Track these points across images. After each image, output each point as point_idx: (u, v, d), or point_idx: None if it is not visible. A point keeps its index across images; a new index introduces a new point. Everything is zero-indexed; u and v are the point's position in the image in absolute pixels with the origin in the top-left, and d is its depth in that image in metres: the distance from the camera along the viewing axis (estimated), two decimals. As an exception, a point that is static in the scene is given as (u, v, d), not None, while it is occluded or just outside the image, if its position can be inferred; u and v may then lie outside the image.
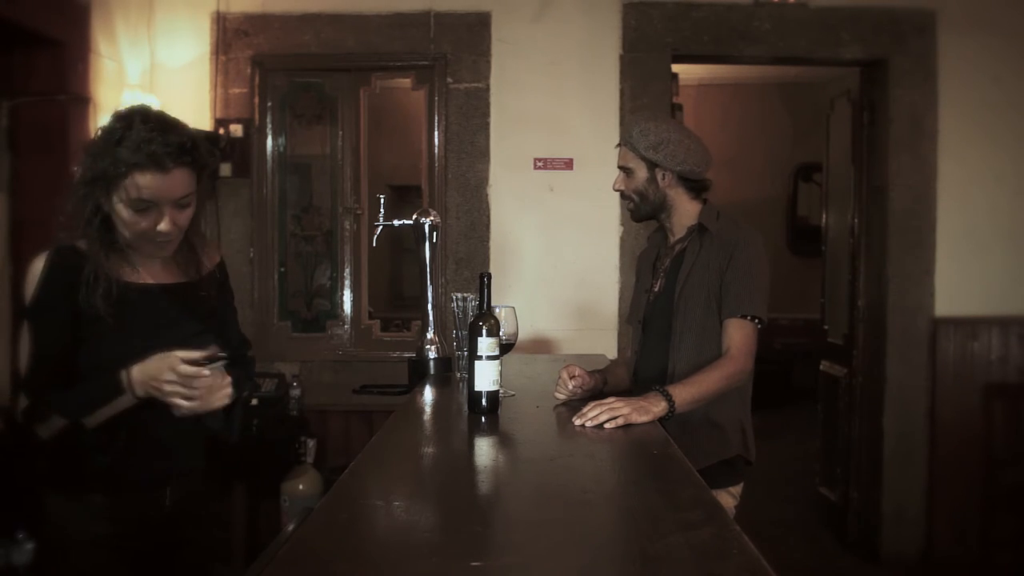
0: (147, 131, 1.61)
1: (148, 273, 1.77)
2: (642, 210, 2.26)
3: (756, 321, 2.10)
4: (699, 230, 2.21)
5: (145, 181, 1.61)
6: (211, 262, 1.90)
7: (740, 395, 2.18)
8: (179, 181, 1.65)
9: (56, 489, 1.75)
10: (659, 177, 2.20)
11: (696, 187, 2.24)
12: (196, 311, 1.81)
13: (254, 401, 3.46)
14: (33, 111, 3.13)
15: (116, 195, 1.64)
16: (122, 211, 1.66)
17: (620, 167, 2.26)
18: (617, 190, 2.28)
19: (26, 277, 1.69)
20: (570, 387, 2.09)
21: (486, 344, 1.92)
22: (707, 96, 7.06)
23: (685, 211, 2.24)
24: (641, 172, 2.21)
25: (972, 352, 3.88)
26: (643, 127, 2.20)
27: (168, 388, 1.58)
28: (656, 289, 2.29)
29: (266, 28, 3.87)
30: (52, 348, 1.68)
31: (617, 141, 2.32)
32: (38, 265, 1.68)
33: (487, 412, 1.93)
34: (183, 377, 1.58)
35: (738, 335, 2.09)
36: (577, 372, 2.10)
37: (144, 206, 1.64)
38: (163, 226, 1.67)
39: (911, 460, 3.92)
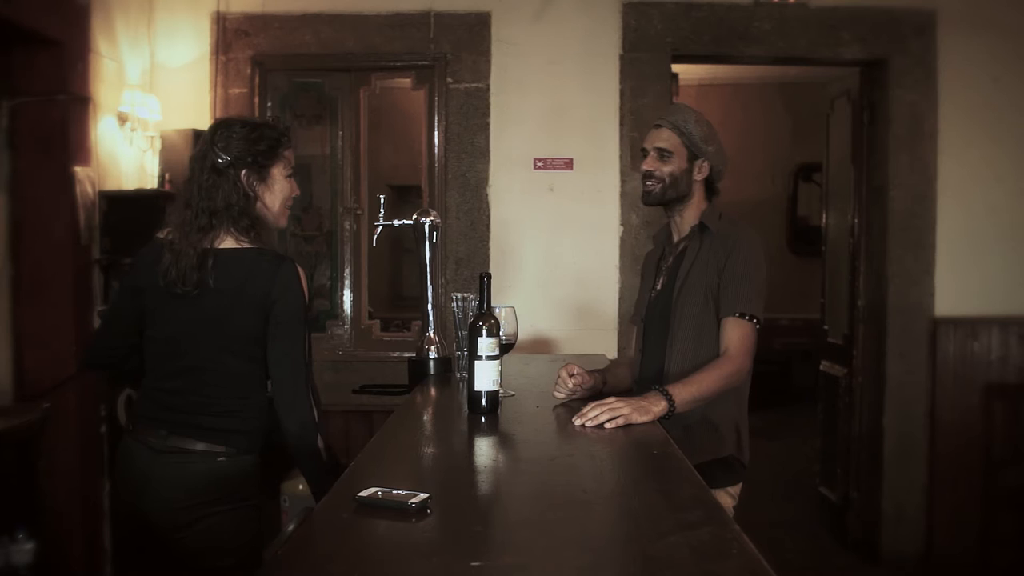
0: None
1: None
2: (667, 195, 2.22)
3: (754, 321, 2.11)
4: (700, 229, 2.22)
5: (290, 153, 1.98)
6: None
7: (736, 396, 2.17)
8: None
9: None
10: (696, 169, 2.21)
11: (712, 189, 2.27)
12: None
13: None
14: (33, 111, 3.12)
15: (275, 168, 1.93)
16: (281, 181, 1.96)
17: (656, 148, 2.22)
18: (646, 170, 2.23)
19: (284, 283, 1.86)
20: (570, 385, 2.09)
21: (486, 344, 1.92)
22: (707, 96, 7.05)
23: (697, 208, 2.25)
24: (681, 160, 2.20)
25: (972, 352, 3.88)
26: (698, 118, 2.21)
27: None
28: (658, 287, 2.30)
29: (266, 28, 3.87)
30: None
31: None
32: (295, 271, 1.88)
33: (487, 412, 1.93)
34: None
35: (736, 334, 2.09)
36: (576, 371, 2.10)
37: (292, 173, 1.99)
38: (297, 189, 2.02)
39: (911, 460, 3.92)
